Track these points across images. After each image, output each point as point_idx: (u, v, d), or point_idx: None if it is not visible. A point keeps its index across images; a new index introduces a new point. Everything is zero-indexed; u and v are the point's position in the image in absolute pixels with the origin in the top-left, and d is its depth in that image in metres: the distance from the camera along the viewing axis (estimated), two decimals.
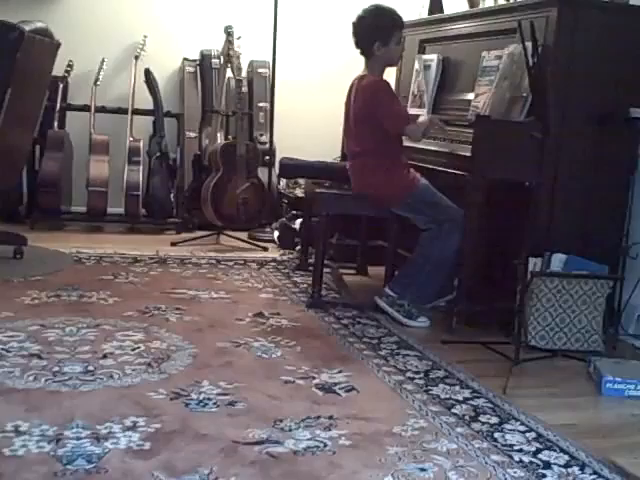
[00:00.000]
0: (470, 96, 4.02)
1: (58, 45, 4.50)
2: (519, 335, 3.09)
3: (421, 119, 3.78)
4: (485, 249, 3.55)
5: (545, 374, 3.08)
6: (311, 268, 4.09)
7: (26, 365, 2.73)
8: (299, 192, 5.40)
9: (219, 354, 3.01)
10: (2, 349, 2.86)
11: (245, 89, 5.57)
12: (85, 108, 5.43)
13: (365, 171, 3.77)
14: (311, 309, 3.71)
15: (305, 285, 4.15)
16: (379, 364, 3.03)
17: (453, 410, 2.62)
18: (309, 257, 4.40)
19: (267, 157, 5.46)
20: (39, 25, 4.51)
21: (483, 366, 3.08)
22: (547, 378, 3.04)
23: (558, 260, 3.39)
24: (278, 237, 5.18)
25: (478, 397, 2.76)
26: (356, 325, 3.54)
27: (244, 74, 5.65)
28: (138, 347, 3.00)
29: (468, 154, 3.52)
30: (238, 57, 5.30)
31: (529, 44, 3.01)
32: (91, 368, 2.74)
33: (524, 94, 3.51)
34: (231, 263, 4.60)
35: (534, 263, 3.36)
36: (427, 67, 4.47)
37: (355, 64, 3.93)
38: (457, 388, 2.83)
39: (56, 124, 5.31)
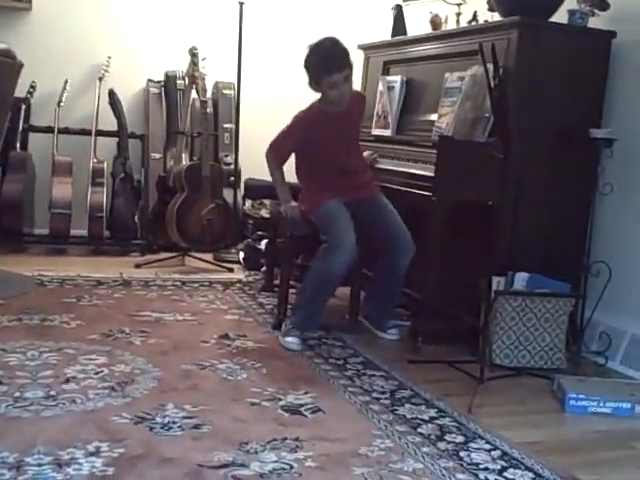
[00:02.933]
0: (434, 117, 4.05)
1: (20, 66, 4.46)
2: (484, 354, 3.11)
3: (291, 204, 3.71)
4: (449, 268, 3.57)
5: (510, 392, 3.10)
6: (277, 289, 4.09)
7: None
8: (264, 213, 5.40)
9: (184, 377, 2.98)
10: None
11: (210, 110, 5.57)
12: (48, 129, 5.39)
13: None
14: (277, 330, 3.69)
15: (271, 306, 4.13)
16: (345, 385, 3.03)
17: (419, 430, 2.62)
18: (275, 278, 4.39)
19: (232, 178, 5.46)
20: (1, 46, 4.48)
21: (448, 385, 3.10)
22: (512, 396, 3.06)
23: (521, 279, 3.42)
24: (243, 258, 5.17)
25: (444, 416, 2.77)
26: (322, 346, 3.54)
27: (209, 95, 5.65)
28: (101, 371, 2.97)
29: (432, 174, 3.54)
30: (203, 78, 5.30)
31: (490, 66, 3.05)
32: (53, 393, 2.70)
33: (486, 115, 3.55)
34: (196, 285, 4.58)
35: (497, 282, 3.39)
36: (391, 88, 4.51)
37: None
38: (423, 408, 2.84)
39: (18, 145, 5.26)
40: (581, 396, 2.92)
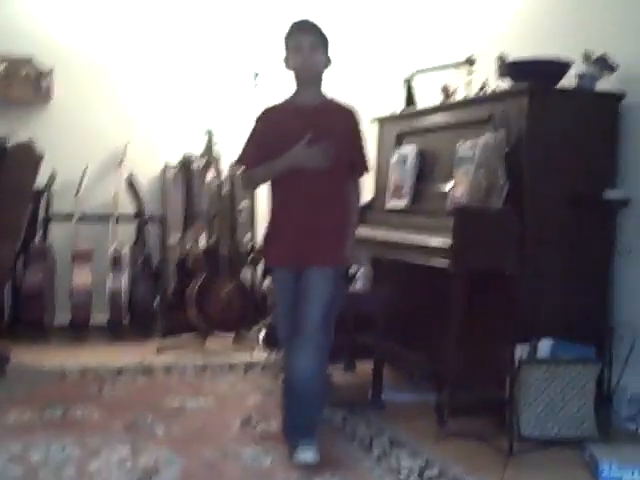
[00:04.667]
0: (449, 186, 4.05)
1: (41, 157, 4.57)
2: (512, 427, 3.04)
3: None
4: (471, 338, 3.52)
5: (541, 465, 3.02)
6: None
7: None
8: None
9: (209, 465, 2.94)
10: None
11: (226, 190, 5.62)
12: (67, 218, 5.46)
13: None
14: None
15: None
16: (371, 466, 2.97)
17: None
18: None
19: (250, 257, 5.46)
20: (22, 140, 4.59)
21: (478, 460, 3.02)
22: (543, 469, 2.98)
23: (545, 345, 3.36)
24: (264, 337, 5.13)
25: None
26: (347, 426, 3.47)
27: (225, 175, 5.70)
28: (125, 463, 2.93)
29: (449, 244, 3.51)
30: (218, 159, 5.38)
31: (503, 133, 3.06)
32: None
33: (501, 182, 3.54)
34: (217, 368, 4.54)
35: (521, 350, 3.33)
36: (405, 159, 4.52)
37: None
38: None
39: (39, 235, 5.32)
40: (614, 466, 2.83)
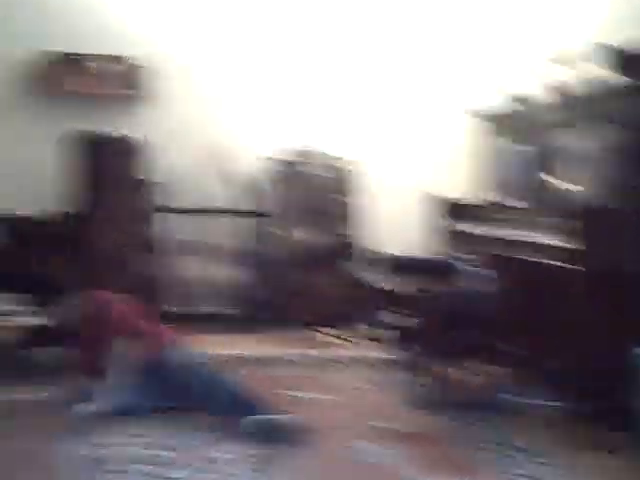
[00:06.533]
0: (567, 184, 3.98)
1: (139, 149, 4.63)
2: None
3: None
4: (593, 342, 3.37)
5: None
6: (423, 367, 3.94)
7: None
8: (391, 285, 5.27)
9: (330, 460, 2.92)
10: None
11: (332, 184, 5.58)
12: (173, 210, 5.42)
13: None
14: (424, 410, 3.56)
15: (419, 385, 3.90)
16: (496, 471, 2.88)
17: None
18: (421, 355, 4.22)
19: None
20: (117, 134, 4.68)
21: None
22: None
23: None
24: (400, 337, 5.02)
25: None
26: (472, 426, 3.36)
27: (327, 170, 5.65)
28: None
29: (568, 245, 3.41)
30: (320, 154, 5.42)
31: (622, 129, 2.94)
32: None
33: (622, 180, 3.43)
34: (334, 363, 4.45)
35: None
36: (520, 157, 4.48)
37: None
38: None
39: (146, 227, 5.35)
40: None
